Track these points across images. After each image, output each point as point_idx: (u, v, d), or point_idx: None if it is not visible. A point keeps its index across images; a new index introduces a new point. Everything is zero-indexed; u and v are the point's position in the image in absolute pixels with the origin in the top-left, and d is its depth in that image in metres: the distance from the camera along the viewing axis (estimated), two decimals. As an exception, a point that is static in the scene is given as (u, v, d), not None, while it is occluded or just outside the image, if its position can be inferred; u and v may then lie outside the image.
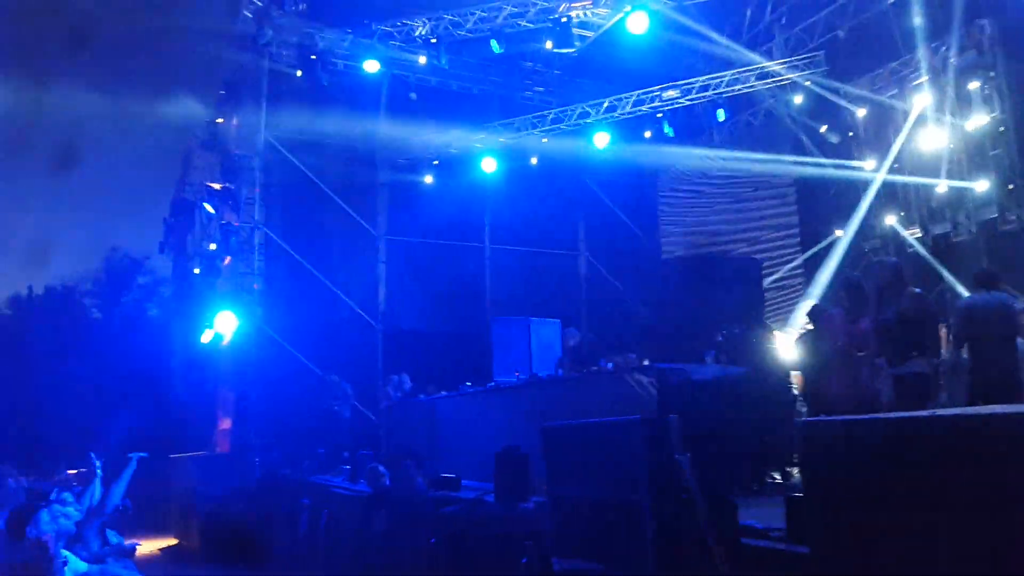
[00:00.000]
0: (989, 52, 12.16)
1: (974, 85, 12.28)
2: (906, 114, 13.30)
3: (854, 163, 14.27)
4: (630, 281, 18.22)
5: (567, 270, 19.21)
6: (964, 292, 11.48)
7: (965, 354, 6.62)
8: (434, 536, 7.65)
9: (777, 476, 7.41)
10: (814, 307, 8.09)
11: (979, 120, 12.28)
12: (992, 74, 12.21)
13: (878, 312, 6.45)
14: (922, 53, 12.60)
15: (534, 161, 17.31)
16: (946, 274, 12.15)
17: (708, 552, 4.45)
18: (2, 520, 6.60)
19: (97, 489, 6.85)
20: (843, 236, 14.28)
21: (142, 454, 6.89)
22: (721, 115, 15.30)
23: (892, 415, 3.79)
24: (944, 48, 12.65)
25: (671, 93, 15.46)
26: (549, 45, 15.31)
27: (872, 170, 14.07)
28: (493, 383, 11.11)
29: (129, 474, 6.51)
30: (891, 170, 13.74)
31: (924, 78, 12.72)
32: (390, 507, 7.70)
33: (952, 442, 2.93)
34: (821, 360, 6.49)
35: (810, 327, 7.50)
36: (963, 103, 12.45)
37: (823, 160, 14.74)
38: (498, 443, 9.60)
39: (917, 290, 6.53)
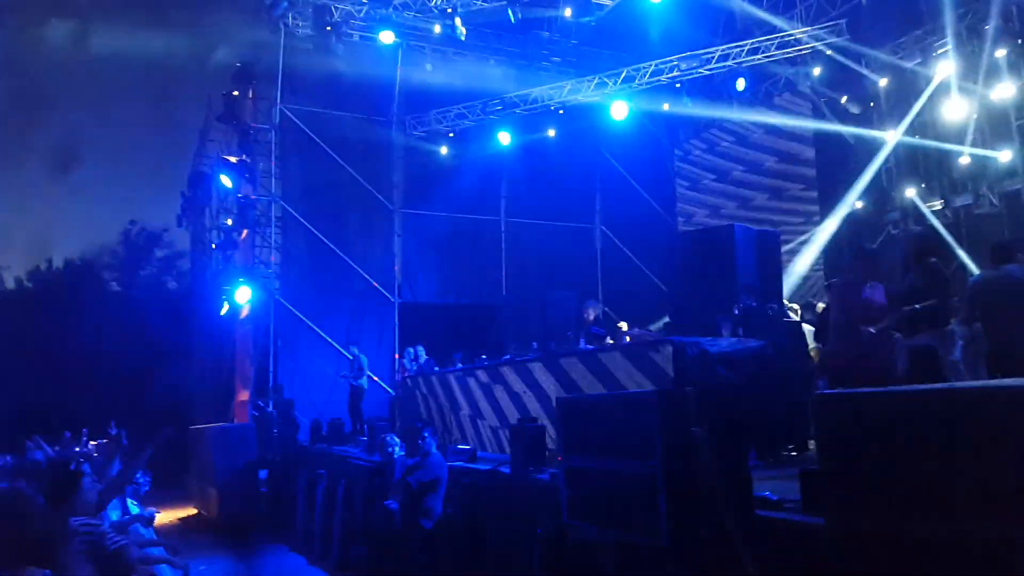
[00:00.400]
0: (1017, 19, 11.91)
1: (1001, 53, 12.03)
2: (930, 82, 13.08)
3: (876, 132, 14.08)
4: (646, 254, 18.19)
5: (583, 243, 19.18)
6: (973, 267, 11.45)
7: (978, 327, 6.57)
8: (450, 507, 7.74)
9: (793, 448, 7.42)
10: (831, 280, 8.03)
11: (1005, 89, 12.04)
12: (1020, 41, 11.95)
13: (902, 283, 6.40)
14: (947, 20, 12.34)
15: (551, 133, 17.20)
16: (958, 249, 12.04)
17: (722, 523, 4.47)
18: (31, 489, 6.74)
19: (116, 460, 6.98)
20: (845, 203, 14.33)
21: (170, 431, 6.98)
22: (741, 85, 15.08)
23: (905, 388, 3.77)
24: (969, 15, 12.40)
25: (689, 63, 15.24)
26: (568, 13, 15.15)
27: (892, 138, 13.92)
28: (508, 355, 11.13)
29: (151, 449, 6.62)
30: (911, 135, 13.59)
31: (948, 46, 12.47)
32: (405, 478, 7.77)
33: (965, 415, 2.92)
34: (834, 331, 6.44)
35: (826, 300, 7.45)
36: (988, 71, 12.21)
37: (841, 127, 14.57)
38: (514, 415, 9.68)
39: (933, 260, 6.46)
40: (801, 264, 14.80)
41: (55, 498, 4.82)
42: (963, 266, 11.81)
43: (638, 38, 15.69)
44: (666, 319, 10.79)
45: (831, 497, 3.69)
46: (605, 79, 15.87)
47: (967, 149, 12.44)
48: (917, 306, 6.13)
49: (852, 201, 14.31)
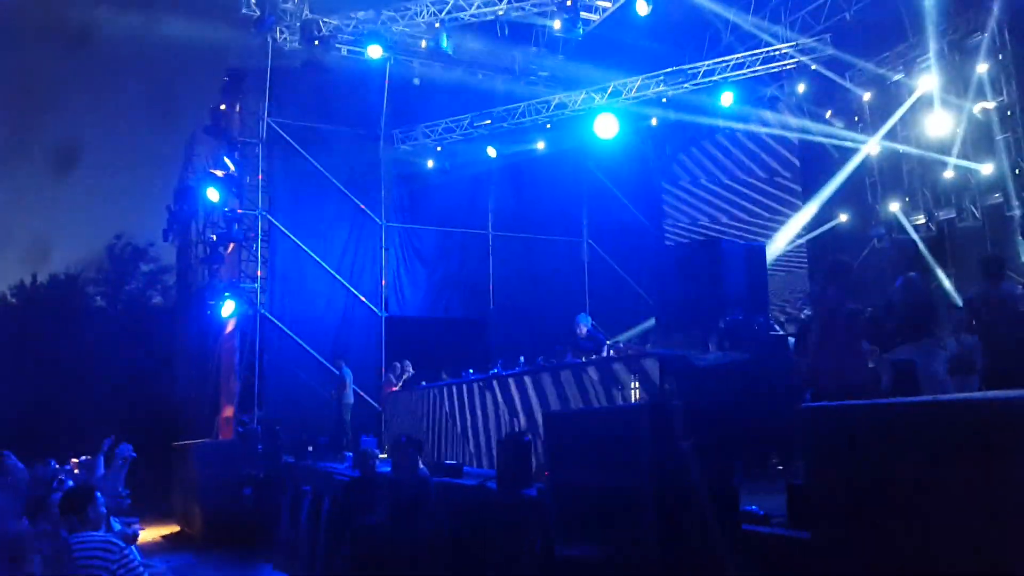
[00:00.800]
0: (998, 35, 12.06)
1: (982, 68, 12.18)
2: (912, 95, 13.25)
3: (859, 136, 14.20)
4: (633, 267, 18.22)
5: (570, 256, 19.19)
6: (947, 284, 11.57)
7: (969, 342, 6.62)
8: (436, 523, 7.68)
9: (779, 463, 7.40)
10: (811, 290, 8.08)
11: (986, 103, 12.18)
12: (1000, 57, 12.11)
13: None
14: (929, 35, 12.48)
15: (540, 146, 17.25)
16: (936, 267, 12.16)
17: (710, 538, 4.45)
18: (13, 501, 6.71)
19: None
20: (815, 203, 14.56)
21: (127, 446, 6.98)
22: (727, 99, 15.15)
23: (889, 401, 3.77)
24: (951, 30, 12.55)
25: (675, 78, 15.33)
26: (557, 25, 15.23)
27: (877, 154, 14.06)
28: (495, 370, 11.10)
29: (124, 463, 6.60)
30: (895, 152, 13.73)
31: (931, 59, 12.60)
32: (390, 493, 7.71)
33: (951, 428, 2.92)
34: (820, 346, 6.48)
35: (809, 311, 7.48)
36: (970, 86, 12.35)
37: (824, 139, 14.72)
38: (501, 430, 9.65)
39: (913, 275, 6.51)
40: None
41: (73, 511, 4.81)
42: (939, 283, 11.91)
43: (625, 53, 15.78)
44: (651, 332, 10.80)
45: (817, 511, 3.69)
46: (592, 94, 15.94)
47: (952, 160, 12.54)
48: (868, 309, 6.19)
49: (823, 200, 14.51)
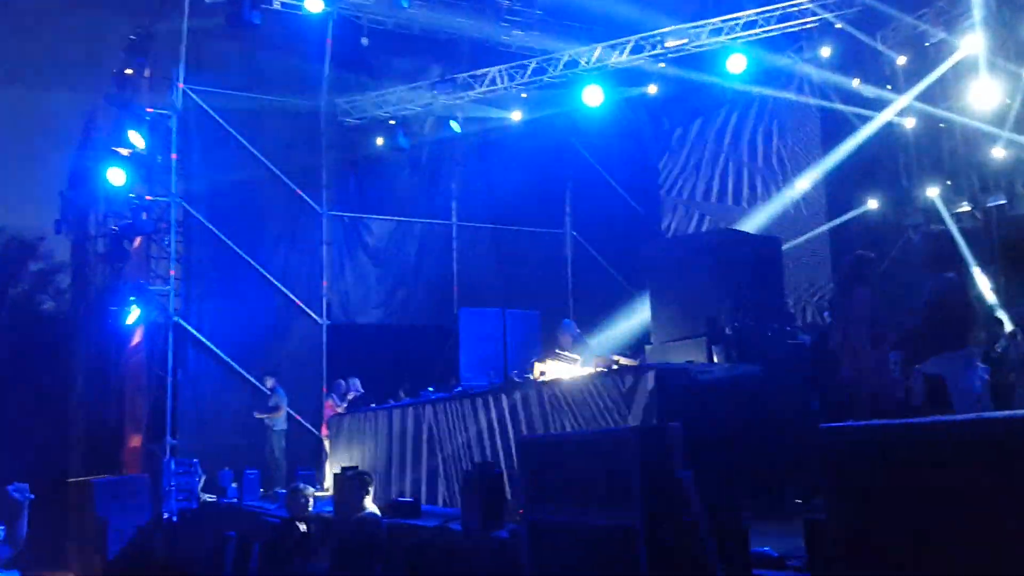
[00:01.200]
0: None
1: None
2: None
3: (891, 95, 14.35)
4: (626, 264, 18.29)
5: (551, 251, 19.27)
6: (990, 285, 11.72)
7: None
8: (390, 571, 7.66)
9: (798, 496, 7.46)
10: (833, 292, 8.16)
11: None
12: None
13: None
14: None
15: (515, 118, 17.24)
16: (977, 265, 12.30)
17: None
18: None
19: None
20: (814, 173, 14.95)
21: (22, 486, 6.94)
22: (737, 64, 15.20)
23: (925, 420, 3.80)
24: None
25: (677, 38, 15.37)
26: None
27: (912, 128, 14.20)
28: (460, 387, 11.11)
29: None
30: (934, 127, 13.88)
31: (975, 16, 12.74)
32: (333, 537, 7.69)
33: (1001, 450, 2.94)
34: (838, 355, 6.55)
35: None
36: (1021, 48, 12.52)
37: (848, 109, 14.89)
38: (468, 460, 9.65)
39: (950, 275, 6.59)
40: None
41: None
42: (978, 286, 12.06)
43: (616, 8, 15.83)
44: (645, 340, 10.85)
45: (841, 551, 3.71)
46: (576, 57, 15.98)
47: (1004, 134, 12.65)
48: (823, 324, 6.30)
49: (837, 160, 14.71)
